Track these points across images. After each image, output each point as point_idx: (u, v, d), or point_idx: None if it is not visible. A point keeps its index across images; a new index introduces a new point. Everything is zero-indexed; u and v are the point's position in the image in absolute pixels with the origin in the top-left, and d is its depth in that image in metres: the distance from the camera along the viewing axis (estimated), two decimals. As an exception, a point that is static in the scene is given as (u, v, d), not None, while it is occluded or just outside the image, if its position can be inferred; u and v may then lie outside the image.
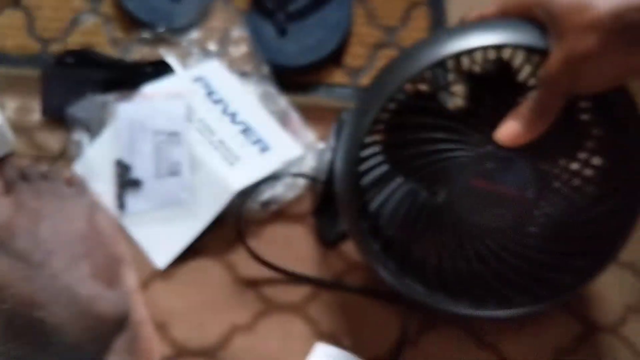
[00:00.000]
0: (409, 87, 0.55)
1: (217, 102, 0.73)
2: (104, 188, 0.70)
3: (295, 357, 0.66)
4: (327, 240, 0.71)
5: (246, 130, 0.73)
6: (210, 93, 0.74)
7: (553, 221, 0.57)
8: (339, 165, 0.58)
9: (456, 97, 0.57)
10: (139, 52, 0.79)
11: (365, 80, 0.80)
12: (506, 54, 0.55)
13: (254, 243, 0.70)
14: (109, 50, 0.80)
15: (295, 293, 0.69)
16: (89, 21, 0.81)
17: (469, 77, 0.57)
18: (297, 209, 0.73)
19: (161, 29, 0.79)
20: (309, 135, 0.75)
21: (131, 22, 0.81)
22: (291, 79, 0.79)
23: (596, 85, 0.47)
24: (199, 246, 0.70)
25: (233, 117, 0.73)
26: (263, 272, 0.69)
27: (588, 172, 0.56)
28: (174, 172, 0.69)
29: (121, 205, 0.70)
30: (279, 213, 0.72)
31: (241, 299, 0.68)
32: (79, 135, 0.72)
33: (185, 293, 0.68)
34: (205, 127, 0.71)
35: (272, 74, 0.77)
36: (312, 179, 0.72)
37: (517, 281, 0.58)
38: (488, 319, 0.61)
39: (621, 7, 0.42)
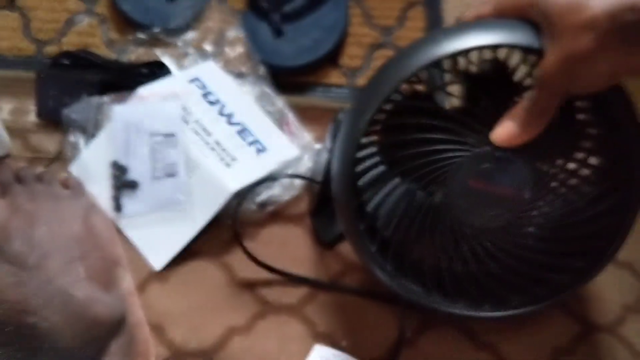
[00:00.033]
0: (405, 87, 0.55)
1: (213, 103, 0.73)
2: (100, 190, 0.70)
3: (292, 359, 0.66)
4: (324, 241, 0.70)
5: (242, 131, 0.72)
6: (206, 94, 0.74)
7: (550, 221, 0.57)
8: (335, 166, 0.58)
9: (453, 97, 0.57)
10: (134, 53, 0.79)
11: (361, 80, 0.80)
12: (502, 54, 0.55)
13: (251, 244, 0.70)
14: (104, 52, 0.80)
15: (293, 294, 0.68)
16: (84, 22, 0.81)
17: (466, 77, 0.57)
18: (294, 210, 0.72)
19: (157, 30, 0.78)
20: (306, 136, 0.75)
21: (126, 23, 0.81)
22: (287, 80, 0.79)
23: (592, 85, 0.47)
24: (196, 248, 0.70)
25: (229, 118, 0.73)
26: (260, 274, 0.69)
27: (585, 171, 0.56)
28: (170, 173, 0.69)
29: (117, 207, 0.69)
30: (276, 214, 0.72)
31: (238, 301, 0.68)
32: (75, 137, 0.72)
33: (182, 295, 0.68)
34: (202, 128, 0.71)
35: (268, 74, 0.77)
36: (309, 180, 0.71)
37: (515, 281, 0.58)
38: (486, 320, 0.61)
39: (616, 7, 0.42)
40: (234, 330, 0.66)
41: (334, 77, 0.80)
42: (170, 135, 0.70)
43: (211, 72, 0.76)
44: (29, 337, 0.53)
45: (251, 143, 0.72)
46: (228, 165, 0.69)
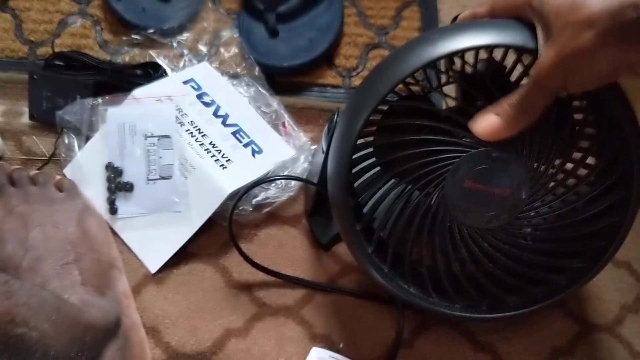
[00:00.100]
0: (401, 87, 0.55)
1: (208, 104, 0.73)
2: (94, 192, 0.70)
3: (289, 361, 0.65)
4: (321, 243, 0.70)
5: (238, 132, 0.72)
6: (201, 95, 0.73)
7: (548, 222, 0.56)
8: (331, 167, 0.58)
9: (449, 97, 0.57)
10: (128, 54, 0.79)
11: (357, 80, 0.80)
12: (498, 54, 0.55)
13: (247, 246, 0.70)
14: (98, 53, 0.79)
15: (290, 296, 0.68)
16: (78, 23, 0.81)
17: (461, 78, 0.57)
18: (290, 211, 0.72)
19: (151, 31, 0.78)
20: (301, 136, 0.75)
21: (120, 24, 0.80)
22: (283, 80, 0.79)
23: (588, 83, 0.47)
24: (192, 250, 0.69)
25: (224, 119, 0.72)
26: (256, 275, 0.69)
27: (583, 171, 0.56)
28: (166, 175, 0.69)
29: (112, 209, 0.69)
30: (272, 215, 0.72)
31: (235, 303, 0.68)
32: (69, 139, 0.72)
33: (178, 297, 0.67)
34: (197, 129, 0.70)
35: (263, 75, 0.77)
36: (305, 181, 0.71)
37: (513, 282, 0.58)
38: (484, 321, 0.61)
39: (616, 5, 0.42)
40: (231, 333, 0.66)
41: (330, 77, 0.80)
42: (165, 137, 0.69)
43: (206, 73, 0.76)
44: (18, 349, 0.52)
45: (246, 144, 0.72)
46: (223, 166, 0.69)
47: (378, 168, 0.58)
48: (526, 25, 0.50)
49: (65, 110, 0.71)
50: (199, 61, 0.78)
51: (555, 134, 0.52)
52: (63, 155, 0.72)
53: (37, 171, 0.70)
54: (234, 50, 0.79)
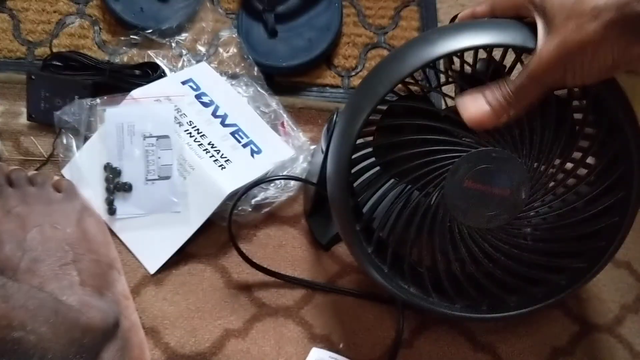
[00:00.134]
0: (400, 87, 0.54)
1: (207, 104, 0.73)
2: (93, 193, 0.69)
3: (289, 361, 0.65)
4: (320, 243, 0.70)
5: (237, 133, 0.72)
6: (199, 95, 0.73)
7: (548, 222, 0.56)
8: (330, 167, 0.58)
9: (448, 97, 0.57)
10: (127, 55, 0.79)
11: (356, 81, 0.80)
12: (497, 54, 0.55)
13: (246, 246, 0.69)
14: (96, 53, 0.79)
15: (289, 296, 0.68)
16: (76, 23, 0.81)
17: (461, 78, 0.56)
18: (289, 211, 0.72)
19: (149, 31, 0.78)
20: (300, 136, 0.74)
21: (118, 24, 0.80)
22: (282, 80, 0.79)
23: (588, 77, 0.46)
24: (191, 250, 0.69)
25: (223, 119, 0.72)
26: (256, 276, 0.68)
27: (583, 171, 0.56)
28: (164, 175, 0.68)
29: (111, 209, 0.69)
30: (271, 216, 0.72)
31: (234, 303, 0.67)
32: (67, 140, 0.71)
33: (177, 298, 0.67)
34: (195, 129, 0.70)
35: (262, 75, 0.76)
36: (304, 181, 0.71)
37: (513, 282, 0.58)
38: (484, 321, 0.61)
39: None
40: (231, 333, 0.66)
41: (329, 77, 0.80)
42: (163, 137, 0.69)
43: (205, 73, 0.76)
44: (15, 353, 0.52)
45: (245, 144, 0.72)
46: (222, 166, 0.69)
47: (377, 168, 0.57)
48: (525, 25, 0.49)
49: (64, 110, 0.71)
50: (198, 61, 0.77)
51: (555, 134, 0.52)
52: (61, 155, 0.71)
53: (35, 172, 0.70)
54: (233, 50, 0.79)
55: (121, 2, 0.79)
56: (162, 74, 0.75)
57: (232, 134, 0.72)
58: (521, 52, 0.53)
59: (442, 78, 0.61)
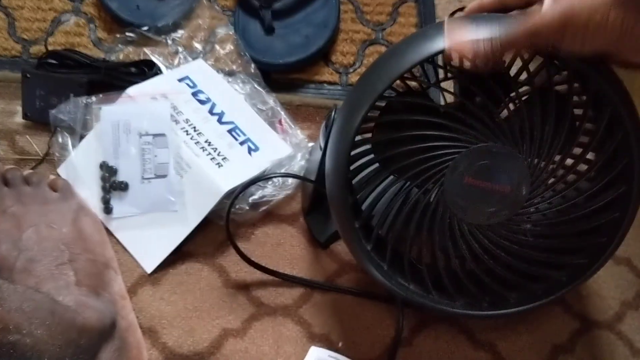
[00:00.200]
0: (399, 83, 0.54)
1: (204, 102, 0.72)
2: (89, 192, 0.69)
3: (288, 361, 0.65)
4: (319, 241, 0.70)
5: (234, 130, 0.71)
6: (196, 93, 0.72)
7: (548, 218, 0.56)
8: (329, 164, 0.57)
9: (447, 93, 0.56)
10: (122, 52, 0.78)
11: (354, 77, 0.80)
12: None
13: (244, 245, 0.69)
14: (92, 51, 0.78)
15: (288, 295, 0.68)
16: (71, 21, 0.80)
17: (459, 73, 0.56)
18: (287, 209, 0.72)
19: (145, 29, 0.77)
20: (298, 134, 0.74)
21: (114, 21, 0.79)
22: (279, 77, 0.78)
23: (589, 44, 0.45)
24: (188, 249, 0.69)
25: (220, 117, 0.72)
26: (254, 275, 0.68)
27: (583, 167, 0.55)
28: (161, 174, 0.68)
29: (107, 209, 0.68)
30: (269, 214, 0.71)
31: (232, 302, 0.67)
32: (63, 138, 0.71)
33: (175, 297, 0.67)
34: (192, 127, 0.70)
35: (259, 72, 0.76)
36: (302, 179, 0.70)
37: (514, 279, 0.57)
38: (484, 318, 0.60)
39: None
40: (229, 333, 0.65)
41: (326, 74, 0.80)
42: (160, 135, 0.68)
43: (201, 70, 0.75)
44: (10, 356, 0.51)
45: (243, 142, 0.71)
46: (219, 164, 0.68)
47: (376, 165, 0.57)
48: None
49: (59, 109, 0.70)
50: (194, 59, 0.77)
51: (555, 130, 0.52)
52: (57, 154, 0.71)
53: (30, 171, 0.69)
54: (230, 47, 0.78)
55: (117, -1, 0.79)
56: (158, 72, 0.75)
57: (229, 131, 0.71)
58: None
59: (441, 74, 0.61)
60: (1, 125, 0.73)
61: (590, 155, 0.55)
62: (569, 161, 0.55)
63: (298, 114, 0.76)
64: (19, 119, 0.73)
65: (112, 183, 0.68)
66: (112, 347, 0.59)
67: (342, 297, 0.68)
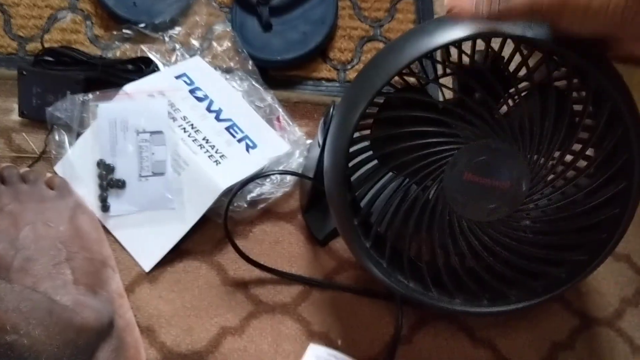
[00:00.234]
0: (397, 80, 0.54)
1: (201, 99, 0.72)
2: (86, 190, 0.68)
3: (287, 359, 0.64)
4: (317, 238, 0.69)
5: (231, 128, 0.71)
6: (193, 90, 0.72)
7: (547, 214, 0.56)
8: (327, 161, 0.57)
9: (446, 89, 0.56)
10: (119, 49, 0.78)
11: (352, 74, 0.79)
12: (495, 44, 0.54)
13: (242, 243, 0.69)
14: (89, 48, 0.78)
15: (286, 293, 0.67)
16: (68, 18, 0.79)
17: (458, 69, 0.56)
18: (285, 207, 0.71)
19: (142, 25, 0.77)
20: (296, 131, 0.74)
21: (111, 18, 0.79)
22: (277, 74, 0.78)
23: (591, 19, 0.43)
24: (186, 247, 0.68)
25: (218, 114, 0.71)
26: (252, 273, 0.68)
27: (583, 163, 0.55)
28: (158, 172, 0.68)
29: (104, 207, 0.68)
30: (267, 211, 0.71)
31: (231, 301, 0.67)
32: (60, 136, 0.70)
33: (173, 296, 0.66)
34: (190, 125, 0.69)
35: (257, 69, 0.75)
36: (301, 176, 0.70)
37: (512, 276, 0.57)
38: (484, 315, 0.60)
39: None
40: (227, 331, 0.65)
41: (324, 71, 0.79)
42: (157, 133, 0.68)
43: (199, 67, 0.75)
44: (8, 357, 0.51)
45: (241, 139, 0.71)
46: (217, 162, 0.68)
47: (375, 162, 0.57)
48: None
49: (56, 106, 0.70)
50: (192, 55, 0.76)
51: (555, 125, 0.52)
52: (54, 152, 0.70)
53: (27, 169, 0.69)
54: (227, 44, 0.78)
55: (114, -4, 0.78)
56: (155, 69, 0.74)
57: (227, 129, 0.71)
58: (520, 42, 0.52)
59: (440, 70, 0.60)
60: (-3, 123, 0.73)
61: (590, 152, 0.55)
62: (569, 157, 0.54)
63: (296, 111, 0.76)
64: (15, 116, 0.73)
65: (109, 181, 0.68)
66: (110, 347, 0.58)
67: (341, 295, 0.67)
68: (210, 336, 0.65)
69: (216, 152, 0.68)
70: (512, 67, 0.56)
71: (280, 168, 0.71)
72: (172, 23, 0.78)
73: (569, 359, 0.66)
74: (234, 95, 0.74)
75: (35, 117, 0.72)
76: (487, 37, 0.52)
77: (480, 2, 0.47)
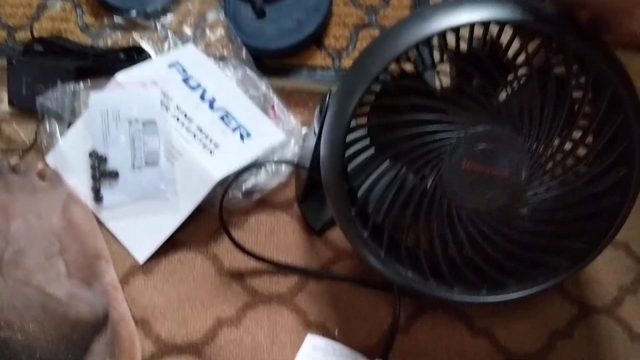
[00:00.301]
0: (393, 67, 0.53)
1: (195, 88, 0.71)
2: (78, 181, 0.68)
3: (284, 349, 0.64)
4: (314, 228, 0.69)
5: (225, 117, 0.70)
6: (186, 79, 0.71)
7: (546, 203, 0.55)
8: (323, 150, 0.56)
9: (443, 76, 0.55)
10: (111, 38, 0.76)
11: (347, 61, 0.78)
12: (493, 30, 0.53)
13: (238, 233, 0.68)
14: (79, 37, 0.77)
15: (282, 283, 0.67)
16: (57, 7, 0.78)
17: (456, 55, 0.55)
18: (281, 196, 0.71)
19: (134, 14, 0.76)
20: (292, 120, 0.73)
21: (102, 6, 0.78)
22: (271, 62, 0.77)
23: None
24: (180, 238, 0.68)
25: (211, 103, 0.70)
26: (248, 263, 0.67)
27: (583, 151, 0.54)
28: (151, 162, 0.67)
29: (97, 198, 0.67)
30: (263, 201, 0.70)
31: (226, 292, 0.66)
32: (51, 126, 0.69)
33: (168, 287, 0.66)
34: (183, 114, 0.68)
35: (250, 57, 0.74)
36: (296, 166, 0.69)
37: (511, 265, 0.57)
38: (483, 305, 0.60)
39: None
40: (223, 322, 0.65)
41: (319, 58, 0.78)
42: (150, 123, 0.67)
43: (191, 56, 0.74)
44: (2, 353, 0.50)
45: (235, 129, 0.70)
46: (211, 152, 0.67)
47: (372, 151, 0.56)
48: (522, 2, 0.48)
49: (46, 96, 0.69)
50: (184, 44, 0.75)
51: (555, 112, 0.51)
52: (45, 143, 0.69)
53: (18, 160, 0.68)
54: (220, 32, 0.76)
55: (104, -17, 0.77)
56: (147, 57, 0.73)
57: (221, 118, 0.70)
58: (519, 28, 0.51)
59: (437, 56, 0.60)
60: (-13, 113, 0.72)
61: (590, 139, 0.54)
62: (569, 145, 0.54)
63: (291, 99, 0.75)
64: (5, 107, 0.72)
65: (102, 171, 0.67)
66: (105, 340, 0.58)
67: (337, 285, 0.67)
68: (206, 327, 0.64)
69: (210, 141, 0.67)
70: (510, 53, 0.55)
71: (276, 157, 0.70)
72: (164, 11, 0.77)
73: (568, 348, 0.66)
74: (227, 83, 0.73)
75: (26, 107, 0.71)
76: (485, 23, 0.51)
77: None
